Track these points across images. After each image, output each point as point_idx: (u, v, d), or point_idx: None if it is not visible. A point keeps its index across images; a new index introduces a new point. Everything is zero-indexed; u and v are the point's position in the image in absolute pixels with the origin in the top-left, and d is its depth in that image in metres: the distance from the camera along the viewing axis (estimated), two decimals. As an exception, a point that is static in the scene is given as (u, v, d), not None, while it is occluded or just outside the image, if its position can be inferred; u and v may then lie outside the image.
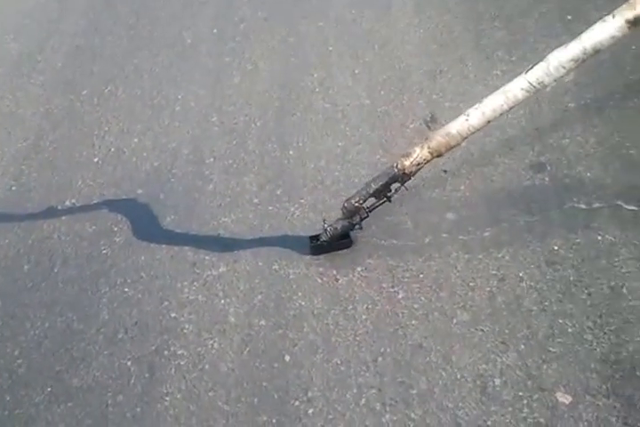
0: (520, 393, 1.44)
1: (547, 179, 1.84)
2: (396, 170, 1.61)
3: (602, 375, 1.43)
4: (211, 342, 1.66)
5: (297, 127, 2.14)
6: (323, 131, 2.12)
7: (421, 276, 1.69)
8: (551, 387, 1.43)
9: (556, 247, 1.68)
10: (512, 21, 2.32)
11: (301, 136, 2.11)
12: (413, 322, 1.60)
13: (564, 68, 1.38)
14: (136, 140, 2.24)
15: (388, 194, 1.66)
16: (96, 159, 2.20)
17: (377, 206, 1.70)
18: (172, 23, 2.70)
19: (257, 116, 2.20)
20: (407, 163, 1.59)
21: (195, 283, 1.79)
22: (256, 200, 1.95)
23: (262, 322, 1.67)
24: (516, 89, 1.44)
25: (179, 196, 2.02)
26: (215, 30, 2.60)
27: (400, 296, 1.66)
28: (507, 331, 1.55)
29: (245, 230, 1.88)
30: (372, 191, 1.64)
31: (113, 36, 2.73)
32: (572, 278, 1.61)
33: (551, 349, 1.49)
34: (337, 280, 1.72)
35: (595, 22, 2.28)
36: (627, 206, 1.73)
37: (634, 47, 2.09)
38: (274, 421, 1.48)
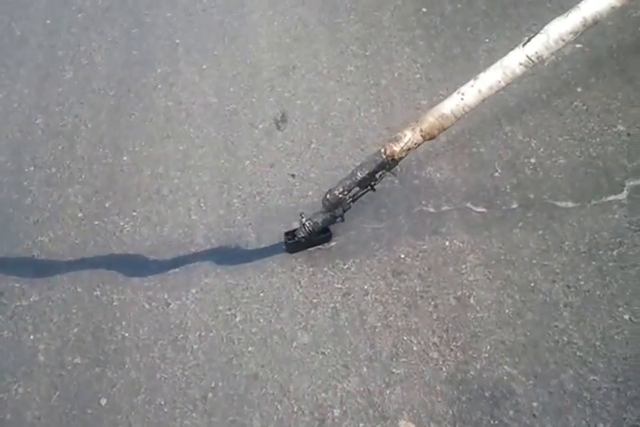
0: (361, 424, 1.25)
1: (396, 181, 1.66)
2: (384, 156, 1.37)
3: (448, 399, 1.26)
4: (15, 386, 1.35)
5: (134, 129, 1.84)
6: (163, 133, 1.83)
7: (262, 294, 1.46)
8: (394, 415, 1.25)
9: (402, 256, 1.50)
10: (368, 14, 2.11)
11: (138, 139, 1.81)
12: (250, 349, 1.37)
13: (563, 40, 1.21)
14: (-53, 146, 1.84)
15: (373, 183, 1.41)
16: None
17: (360, 196, 1.45)
18: (0, 13, 2.28)
19: (88, 117, 1.87)
20: (397, 148, 1.35)
21: (0, 316, 1.46)
22: (80, 214, 1.64)
23: (77, 360, 1.38)
24: (513, 64, 1.25)
25: (-9, 211, 1.67)
26: (49, 21, 2.22)
27: (237, 319, 1.43)
28: (349, 352, 1.35)
29: (65, 250, 1.56)
30: (357, 180, 1.39)
31: None
32: (418, 289, 1.44)
33: (395, 370, 1.31)
34: (168, 305, 1.46)
35: (450, 15, 2.15)
36: (475, 209, 1.59)
37: (487, 40, 1.94)
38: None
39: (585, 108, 1.76)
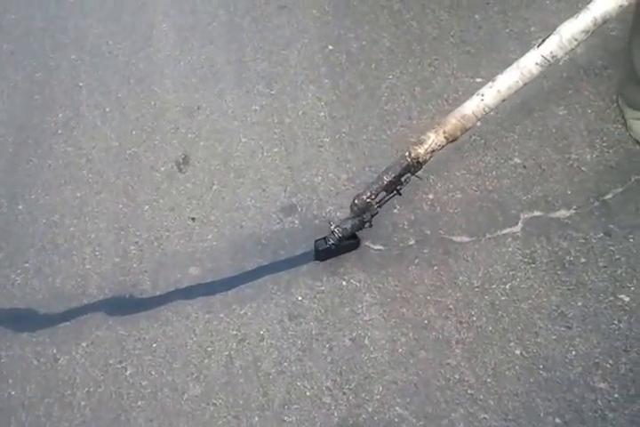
0: (249, 477, 1.25)
1: (297, 222, 1.70)
2: (409, 159, 1.43)
3: (336, 444, 1.28)
4: None
5: (31, 176, 1.84)
6: (61, 179, 1.84)
7: (155, 345, 1.47)
8: (282, 465, 1.26)
9: (300, 298, 1.53)
10: (275, 53, 2.19)
11: (35, 187, 1.82)
12: (139, 403, 1.37)
13: (575, 40, 1.30)
14: None
15: (398, 187, 1.48)
16: None
17: (387, 200, 1.51)
18: None
19: (-16, 167, 1.87)
20: (421, 151, 1.42)
21: None
22: (-32, 269, 1.62)
23: (-43, 424, 1.35)
24: (530, 64, 1.34)
25: None
26: (-51, 67, 2.22)
27: (128, 373, 1.43)
28: (241, 402, 1.36)
29: (-49, 308, 1.54)
30: (384, 184, 1.45)
31: None
32: (314, 332, 1.47)
33: (286, 418, 1.33)
34: (56, 360, 1.45)
35: (355, 52, 2.24)
36: (373, 246, 1.64)
37: (390, 77, 2.03)
38: None
39: (483, 141, 1.85)
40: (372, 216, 1.53)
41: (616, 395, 1.33)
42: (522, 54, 2.09)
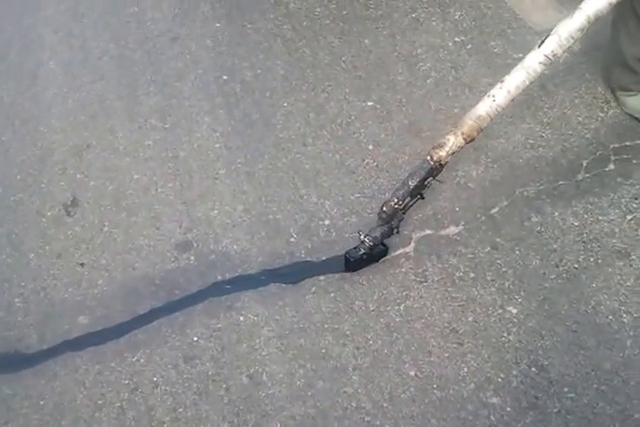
0: None
1: (192, 258, 1.68)
2: (432, 162, 1.46)
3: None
4: None
5: None
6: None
7: (42, 402, 1.41)
8: None
9: (195, 338, 1.50)
10: (168, 85, 2.17)
11: None
12: (24, 468, 1.30)
13: (572, 38, 1.39)
14: None
15: (422, 191, 1.51)
16: None
17: (411, 205, 1.53)
18: None
19: None
20: (443, 153, 1.46)
21: None
22: None
23: None
24: (534, 64, 1.41)
25: None
26: None
27: (13, 435, 1.35)
28: (133, 455, 1.31)
29: None
30: (410, 189, 1.48)
31: None
32: (210, 373, 1.44)
33: (182, 467, 1.29)
34: None
35: (250, 81, 2.25)
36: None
37: (285, 104, 2.04)
38: None
39: (375, 164, 1.88)
40: (399, 222, 1.56)
41: (508, 409, 1.36)
42: (410, 76, 2.18)
